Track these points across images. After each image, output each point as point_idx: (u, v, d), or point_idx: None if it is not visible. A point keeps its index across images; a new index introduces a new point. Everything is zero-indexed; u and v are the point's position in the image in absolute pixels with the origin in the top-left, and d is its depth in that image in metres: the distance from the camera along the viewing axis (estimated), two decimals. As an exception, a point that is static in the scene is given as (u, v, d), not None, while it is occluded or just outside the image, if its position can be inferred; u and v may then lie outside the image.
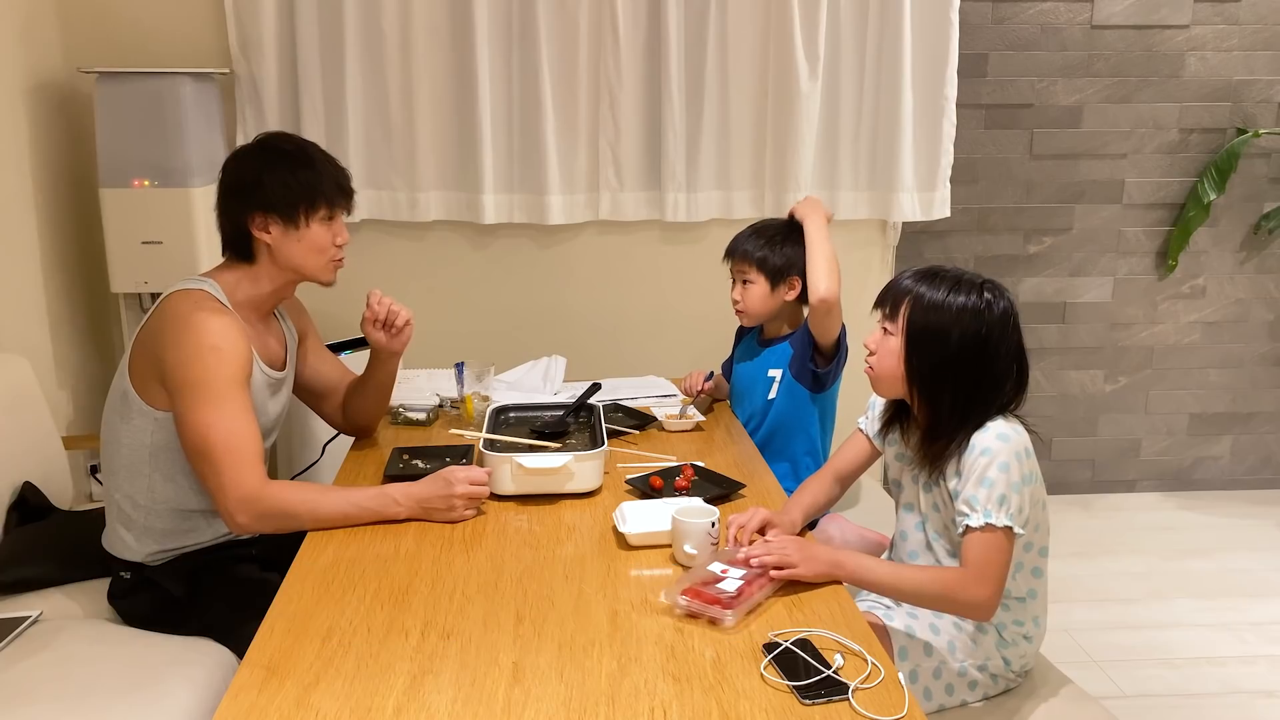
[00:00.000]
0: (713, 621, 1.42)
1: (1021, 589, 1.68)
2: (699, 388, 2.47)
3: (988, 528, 1.53)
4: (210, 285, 1.84)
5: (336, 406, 2.18)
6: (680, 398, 2.50)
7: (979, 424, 1.60)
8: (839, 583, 1.56)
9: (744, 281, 2.27)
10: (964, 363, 1.60)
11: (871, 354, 1.70)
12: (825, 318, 2.15)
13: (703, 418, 2.31)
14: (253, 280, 1.88)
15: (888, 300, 1.68)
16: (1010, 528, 1.54)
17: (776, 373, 2.28)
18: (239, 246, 1.88)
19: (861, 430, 1.90)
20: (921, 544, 1.76)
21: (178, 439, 1.77)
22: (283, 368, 1.99)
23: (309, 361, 2.14)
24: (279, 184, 1.83)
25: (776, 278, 2.23)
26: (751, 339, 2.41)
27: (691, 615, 1.44)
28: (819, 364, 2.22)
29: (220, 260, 1.93)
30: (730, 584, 1.48)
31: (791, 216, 2.29)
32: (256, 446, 1.74)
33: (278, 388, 1.97)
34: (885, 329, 1.67)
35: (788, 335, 2.29)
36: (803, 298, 2.25)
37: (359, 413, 2.18)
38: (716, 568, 1.53)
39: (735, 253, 2.29)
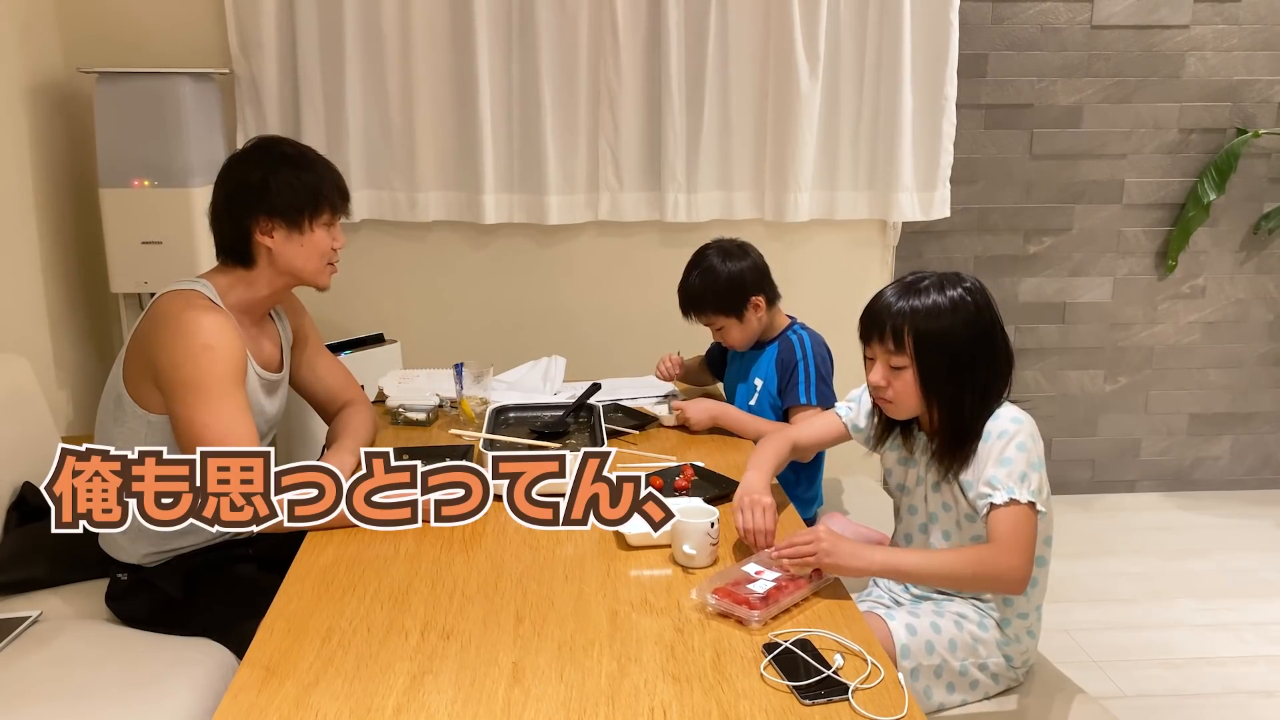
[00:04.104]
0: (740, 621, 1.42)
1: None
2: (676, 371, 2.53)
3: (1012, 503, 1.55)
4: (203, 286, 1.83)
5: (333, 415, 2.16)
6: (669, 391, 2.52)
7: (990, 413, 1.62)
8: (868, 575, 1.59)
9: (717, 329, 2.32)
10: (975, 353, 1.62)
11: (882, 388, 1.66)
12: None
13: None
14: (248, 284, 1.87)
15: (886, 331, 1.63)
16: (1033, 503, 1.55)
17: (760, 382, 2.32)
18: (239, 251, 1.85)
19: (840, 418, 1.92)
20: (927, 545, 1.76)
21: (171, 442, 1.76)
22: (278, 369, 1.99)
23: (309, 365, 2.11)
24: (285, 188, 1.81)
25: (737, 309, 2.26)
26: None
27: (722, 614, 1.45)
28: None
29: (214, 263, 1.91)
30: (762, 585, 1.49)
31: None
32: (254, 445, 1.72)
33: (273, 389, 1.97)
34: (893, 365, 1.64)
35: (775, 338, 2.33)
36: (770, 303, 2.30)
37: None
38: (750, 568, 1.53)
39: (692, 314, 2.32)
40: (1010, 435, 1.59)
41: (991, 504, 1.56)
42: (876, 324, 1.65)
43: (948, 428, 1.65)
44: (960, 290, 1.62)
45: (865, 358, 1.71)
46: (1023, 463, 1.57)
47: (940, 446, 1.67)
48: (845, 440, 1.93)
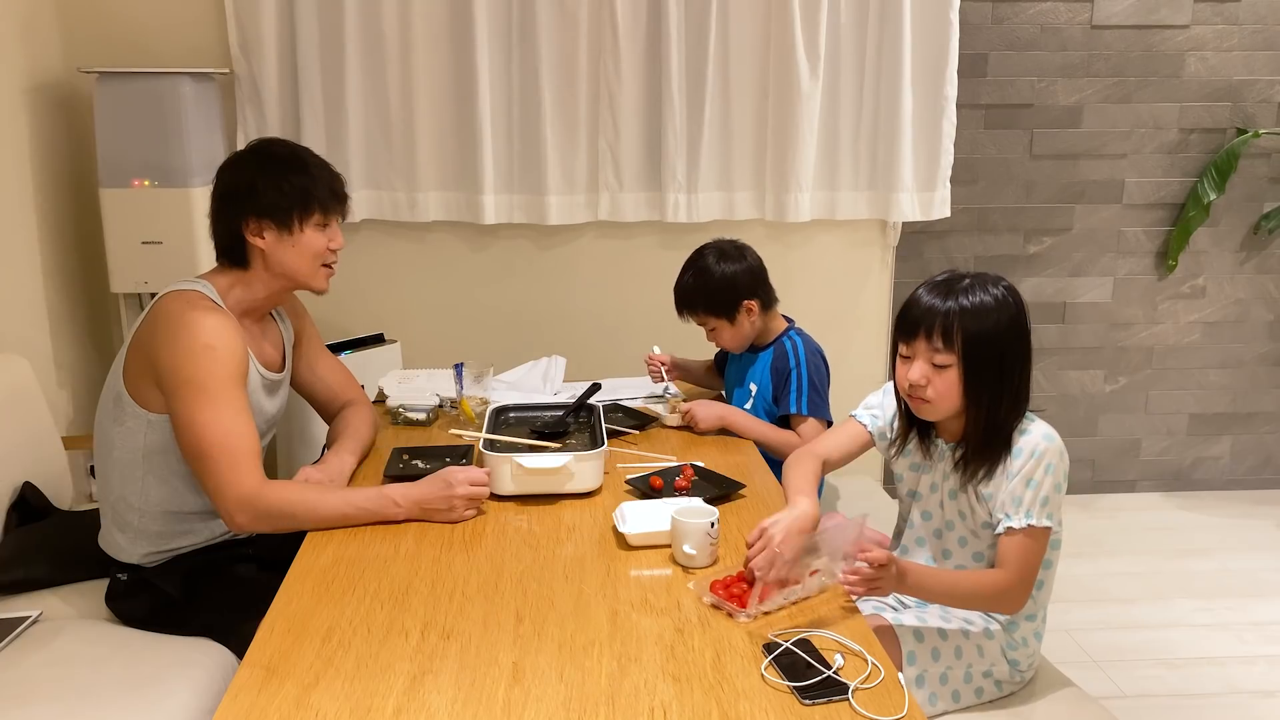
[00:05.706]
0: (730, 615, 1.43)
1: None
2: (667, 369, 2.50)
3: (1029, 530, 1.55)
4: (204, 286, 1.83)
5: (333, 415, 2.17)
6: (663, 390, 2.52)
7: (1019, 423, 1.62)
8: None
9: (710, 329, 2.34)
10: (1016, 354, 1.61)
11: (922, 386, 1.61)
12: None
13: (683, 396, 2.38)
14: (245, 285, 1.87)
15: (935, 328, 1.58)
16: (1049, 528, 1.56)
17: (754, 387, 2.33)
18: (233, 252, 1.86)
19: (861, 422, 1.87)
20: (939, 551, 1.75)
21: (171, 441, 1.76)
22: (280, 369, 1.99)
23: (309, 365, 2.11)
24: (273, 189, 1.82)
25: (729, 311, 2.28)
26: None
27: (715, 606, 1.46)
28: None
29: (214, 264, 1.92)
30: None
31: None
32: (253, 445, 1.73)
33: (274, 388, 1.97)
34: (937, 363, 1.60)
35: (771, 343, 2.34)
36: (765, 307, 2.31)
37: None
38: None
39: (685, 313, 2.34)
40: (1041, 455, 1.58)
41: (1010, 527, 1.56)
42: (924, 321, 1.60)
43: (980, 432, 1.62)
44: (1001, 289, 1.61)
45: (899, 356, 1.65)
46: (1048, 486, 1.57)
47: (968, 452, 1.64)
48: (870, 448, 1.88)
